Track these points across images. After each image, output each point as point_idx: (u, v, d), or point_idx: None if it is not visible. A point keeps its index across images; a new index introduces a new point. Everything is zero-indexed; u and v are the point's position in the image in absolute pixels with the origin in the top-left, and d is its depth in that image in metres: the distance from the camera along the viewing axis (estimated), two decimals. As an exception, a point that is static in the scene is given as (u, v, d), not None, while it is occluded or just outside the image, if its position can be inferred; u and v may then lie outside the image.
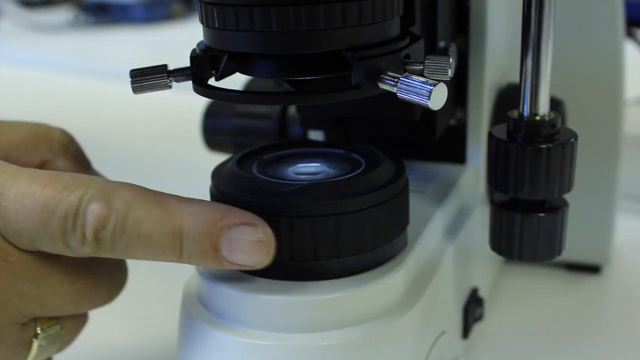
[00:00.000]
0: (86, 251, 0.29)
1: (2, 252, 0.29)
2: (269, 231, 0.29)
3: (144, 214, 0.28)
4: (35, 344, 0.31)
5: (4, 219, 0.29)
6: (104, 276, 0.33)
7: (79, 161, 0.37)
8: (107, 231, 0.28)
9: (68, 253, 0.29)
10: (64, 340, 0.33)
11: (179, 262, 0.29)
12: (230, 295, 0.30)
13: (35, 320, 0.31)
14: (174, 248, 0.28)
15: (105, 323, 0.46)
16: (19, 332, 0.31)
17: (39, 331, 0.31)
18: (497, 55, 0.42)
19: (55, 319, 0.32)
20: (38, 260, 0.30)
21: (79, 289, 0.31)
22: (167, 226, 0.28)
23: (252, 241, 0.29)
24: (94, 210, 0.28)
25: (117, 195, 0.28)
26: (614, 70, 0.46)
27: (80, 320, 0.34)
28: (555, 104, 0.38)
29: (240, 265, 0.29)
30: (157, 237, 0.28)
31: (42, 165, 0.36)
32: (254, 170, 0.32)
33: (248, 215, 0.29)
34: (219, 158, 0.36)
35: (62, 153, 0.36)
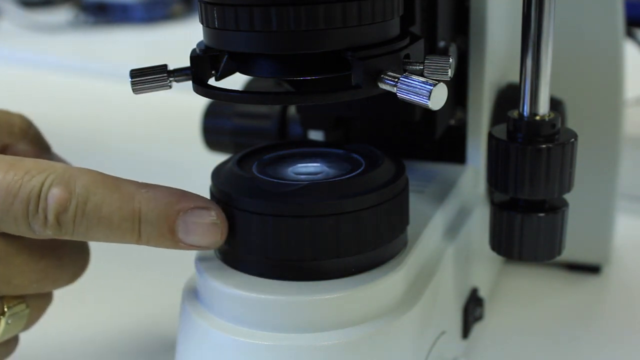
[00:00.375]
0: (48, 233, 0.30)
1: None
2: (221, 214, 0.30)
3: (104, 198, 0.30)
4: (3, 321, 0.32)
5: None
6: (68, 257, 0.34)
7: (39, 145, 0.38)
8: (68, 214, 0.29)
9: (31, 235, 0.30)
10: (30, 319, 0.34)
11: (137, 244, 0.30)
12: (230, 295, 0.30)
13: (2, 298, 0.32)
14: (132, 231, 0.30)
15: (105, 323, 0.46)
16: None
17: (5, 309, 0.32)
18: (497, 55, 0.42)
19: (21, 298, 0.33)
20: (3, 240, 0.31)
21: (43, 268, 0.32)
22: (125, 210, 0.30)
23: (206, 224, 0.30)
24: (55, 194, 0.29)
25: (77, 180, 0.30)
26: (614, 70, 0.46)
27: (45, 299, 0.35)
28: (555, 104, 0.38)
29: (195, 246, 0.30)
30: (116, 220, 0.30)
31: (2, 150, 0.37)
32: (254, 170, 0.32)
33: (202, 199, 0.31)
34: (219, 158, 0.36)
35: (22, 137, 0.37)
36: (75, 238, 0.30)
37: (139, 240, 0.30)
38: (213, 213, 0.30)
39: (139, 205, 0.30)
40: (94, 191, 0.30)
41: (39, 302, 0.35)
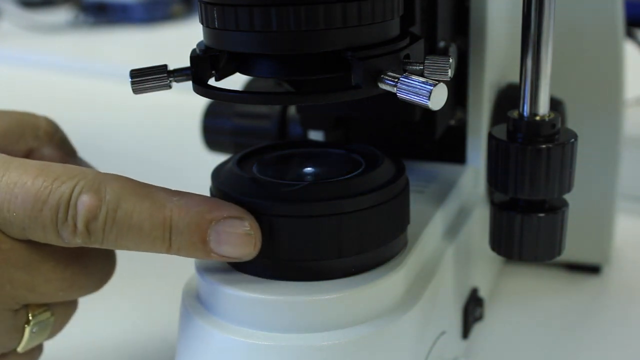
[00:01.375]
0: (77, 241, 0.29)
1: None
2: (255, 224, 0.29)
3: (134, 205, 0.29)
4: (27, 330, 0.32)
5: None
6: (94, 264, 0.33)
7: (65, 149, 0.38)
8: (98, 222, 0.29)
9: (59, 243, 0.30)
10: (55, 327, 0.34)
11: (167, 253, 0.30)
12: (230, 296, 0.30)
13: (27, 307, 0.32)
14: (163, 240, 0.29)
15: (105, 323, 0.46)
16: (12, 319, 0.31)
17: (30, 317, 0.32)
18: (497, 55, 0.42)
19: (46, 306, 0.33)
20: (30, 248, 0.31)
21: (69, 276, 0.32)
22: (156, 218, 0.29)
23: (239, 234, 0.29)
24: (85, 201, 0.29)
25: (107, 187, 0.29)
26: (614, 70, 0.46)
27: (70, 307, 0.35)
28: (555, 104, 0.38)
29: (227, 257, 0.30)
30: (146, 228, 0.29)
31: (28, 154, 0.36)
32: (254, 171, 0.32)
33: (235, 208, 0.29)
34: (219, 158, 0.36)
35: (48, 141, 0.37)
36: (104, 246, 0.30)
37: (169, 249, 0.29)
38: (247, 223, 0.29)
39: (170, 214, 0.29)
40: (125, 198, 0.29)
41: (64, 310, 0.34)
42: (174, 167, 0.74)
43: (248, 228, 0.29)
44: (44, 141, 0.37)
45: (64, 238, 0.29)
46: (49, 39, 1.40)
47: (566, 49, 0.44)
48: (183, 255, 0.30)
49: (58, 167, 0.30)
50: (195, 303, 0.32)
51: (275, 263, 0.30)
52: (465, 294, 0.39)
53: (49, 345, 0.41)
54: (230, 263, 0.31)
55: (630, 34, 0.67)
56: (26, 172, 0.29)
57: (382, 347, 0.30)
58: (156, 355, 0.42)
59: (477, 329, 0.42)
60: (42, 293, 0.31)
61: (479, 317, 0.40)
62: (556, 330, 0.44)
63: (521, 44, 0.32)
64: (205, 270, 0.31)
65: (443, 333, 0.34)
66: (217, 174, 0.32)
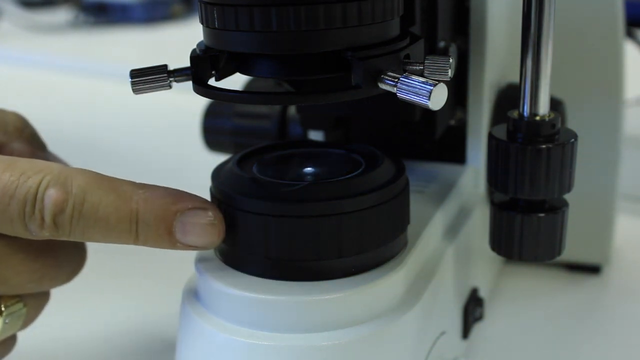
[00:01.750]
0: (45, 234, 0.30)
1: None
2: (219, 214, 0.30)
3: (100, 198, 0.30)
4: (0, 321, 0.32)
5: None
6: (64, 256, 0.33)
7: (34, 143, 0.38)
8: (65, 215, 0.29)
9: (27, 236, 0.30)
10: (28, 318, 0.34)
11: (135, 244, 0.30)
12: (230, 296, 0.30)
13: None
14: (130, 232, 0.30)
15: (105, 323, 0.46)
16: None
17: (2, 309, 0.32)
18: (497, 55, 0.42)
19: (18, 297, 0.33)
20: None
21: (39, 268, 0.32)
22: (122, 211, 0.30)
23: (203, 224, 0.30)
24: (52, 195, 0.29)
25: (74, 181, 0.30)
26: (614, 70, 0.46)
27: (42, 298, 0.35)
28: (555, 104, 0.38)
29: (193, 247, 0.30)
30: (113, 221, 0.30)
31: None
32: (254, 171, 0.32)
33: (199, 199, 0.30)
34: (219, 158, 0.36)
35: (17, 136, 0.37)
36: (72, 239, 0.30)
37: (136, 240, 0.30)
38: (210, 213, 0.30)
39: (135, 206, 0.30)
40: (91, 192, 0.29)
41: (36, 301, 0.35)
42: (174, 167, 0.74)
43: (212, 218, 0.30)
44: (13, 136, 0.37)
45: (32, 231, 0.30)
46: (49, 39, 1.40)
47: (566, 49, 0.44)
48: (150, 246, 0.31)
49: (24, 162, 0.30)
50: (195, 303, 0.32)
51: (275, 263, 0.30)
52: (465, 294, 0.39)
53: (49, 345, 0.41)
54: (230, 263, 0.31)
55: (630, 34, 0.67)
56: None
57: (382, 347, 0.30)
58: (156, 355, 0.42)
59: (477, 329, 0.42)
60: (12, 285, 0.32)
61: (479, 317, 0.40)
62: (556, 330, 0.44)
63: (521, 44, 0.32)
64: (205, 269, 0.31)
65: (443, 333, 0.34)
66: (217, 174, 0.32)
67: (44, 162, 0.31)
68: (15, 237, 0.31)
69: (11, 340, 0.35)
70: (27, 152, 0.37)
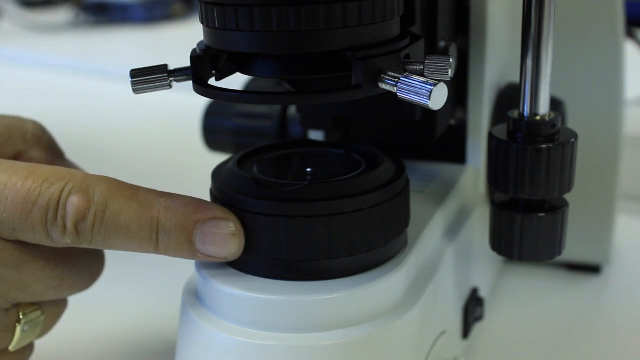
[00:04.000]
0: (66, 241, 0.30)
1: None
2: (239, 225, 0.30)
3: (122, 206, 0.30)
4: (19, 329, 0.32)
5: None
6: (83, 263, 0.33)
7: (53, 151, 0.38)
8: (87, 223, 0.29)
9: (49, 243, 0.30)
10: (46, 325, 0.34)
11: (155, 253, 0.30)
12: (230, 295, 0.30)
13: (18, 306, 0.32)
14: (150, 240, 0.30)
15: (105, 323, 0.46)
16: (3, 318, 0.32)
17: (21, 316, 0.32)
18: (497, 55, 0.42)
19: (36, 305, 0.33)
20: (20, 248, 0.31)
21: (59, 275, 0.32)
22: (144, 219, 0.30)
23: (224, 234, 0.30)
24: (74, 202, 0.29)
25: (95, 188, 0.30)
26: (614, 70, 0.46)
27: (60, 306, 0.35)
28: (555, 104, 0.38)
29: (213, 257, 0.30)
30: (134, 229, 0.30)
31: (16, 157, 0.37)
32: (254, 171, 0.32)
33: (220, 209, 0.30)
34: (219, 158, 0.36)
35: (36, 144, 0.37)
36: (93, 246, 0.30)
37: (156, 249, 0.30)
38: (232, 224, 0.30)
39: (157, 215, 0.30)
40: (113, 199, 0.30)
41: (54, 309, 0.34)
42: (174, 167, 0.74)
43: (233, 229, 0.30)
44: (32, 144, 0.37)
45: (54, 238, 0.30)
46: (49, 39, 1.40)
47: (566, 49, 0.44)
48: (170, 255, 0.31)
49: (47, 169, 0.30)
50: (196, 303, 0.32)
51: (276, 263, 0.30)
52: (465, 294, 0.39)
53: (49, 345, 0.41)
54: (230, 263, 0.31)
55: (630, 34, 0.67)
56: (16, 174, 0.30)
57: (382, 347, 0.30)
58: (156, 355, 0.42)
59: (477, 329, 0.42)
60: (32, 292, 0.32)
61: (479, 317, 0.40)
62: (556, 330, 0.44)
63: (521, 44, 0.32)
64: (205, 270, 0.31)
65: (443, 333, 0.34)
66: (217, 174, 0.32)
67: (66, 169, 0.31)
68: (36, 244, 0.31)
69: (28, 349, 0.35)
70: (45, 159, 0.37)
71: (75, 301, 0.48)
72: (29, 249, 0.31)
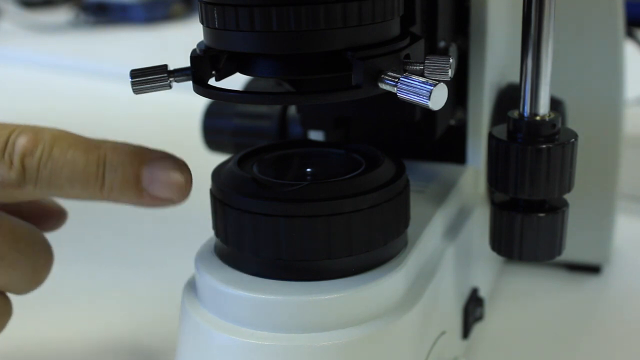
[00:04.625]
0: (11, 177, 0.30)
1: None
2: (187, 168, 0.31)
3: (70, 144, 0.30)
4: None
5: None
6: (27, 245, 0.32)
7: None
8: (34, 157, 0.30)
9: None
10: None
11: (100, 195, 0.30)
12: (230, 295, 0.30)
13: None
14: (97, 177, 0.30)
15: (105, 323, 0.46)
16: None
17: None
18: (497, 55, 0.42)
19: None
20: None
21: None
22: (91, 155, 0.30)
23: (171, 174, 0.30)
24: (22, 140, 0.30)
25: (45, 131, 0.30)
26: (614, 70, 0.46)
27: (4, 310, 0.33)
28: (555, 104, 0.38)
29: (159, 199, 0.30)
30: (81, 164, 0.30)
31: None
32: (254, 171, 0.32)
33: (167, 153, 0.31)
34: (219, 158, 0.36)
35: None
36: (37, 188, 0.30)
37: (102, 188, 0.30)
38: (178, 165, 0.30)
39: (104, 153, 0.30)
40: (61, 139, 0.30)
41: None
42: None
43: (180, 170, 0.30)
44: None
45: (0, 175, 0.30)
46: (49, 39, 1.40)
47: (566, 49, 0.44)
48: (115, 199, 0.31)
49: None
50: (196, 303, 0.32)
51: (275, 263, 0.30)
52: (465, 294, 0.39)
53: (49, 344, 0.41)
54: (230, 263, 0.31)
55: (630, 34, 0.67)
56: None
57: (382, 347, 0.30)
58: (156, 355, 0.42)
59: (477, 329, 0.42)
60: None
61: (479, 317, 0.40)
62: (556, 330, 0.44)
63: (521, 44, 0.32)
64: (205, 269, 0.31)
65: (443, 333, 0.34)
66: (217, 174, 0.32)
67: (15, 123, 0.31)
68: None
69: None
70: None
71: (76, 300, 0.48)
72: None
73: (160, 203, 0.30)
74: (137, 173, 0.30)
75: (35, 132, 0.30)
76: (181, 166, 0.30)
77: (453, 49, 0.38)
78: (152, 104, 0.83)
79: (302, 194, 0.29)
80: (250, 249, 0.30)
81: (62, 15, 1.59)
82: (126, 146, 0.30)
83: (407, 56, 0.30)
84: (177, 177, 0.30)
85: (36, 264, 0.33)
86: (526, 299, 0.47)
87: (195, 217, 0.44)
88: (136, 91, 0.31)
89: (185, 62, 0.31)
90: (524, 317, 0.46)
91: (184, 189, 0.30)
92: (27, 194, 0.31)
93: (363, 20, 0.28)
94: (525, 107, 0.33)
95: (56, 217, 0.38)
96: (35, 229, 0.33)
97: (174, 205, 0.31)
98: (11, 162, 0.29)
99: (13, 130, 0.30)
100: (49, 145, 0.30)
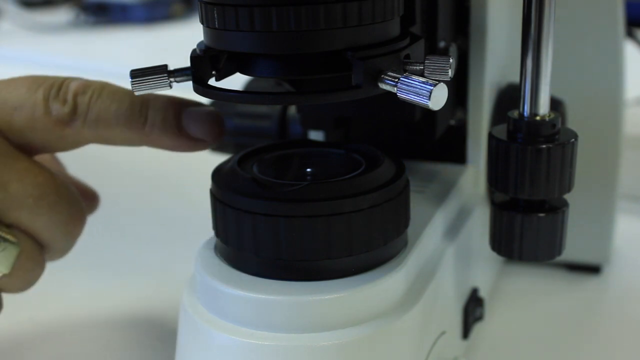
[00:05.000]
0: (65, 111, 0.33)
1: None
2: (220, 115, 0.35)
3: (117, 89, 0.34)
4: None
5: None
6: (63, 192, 0.34)
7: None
8: (86, 96, 0.34)
9: (44, 121, 0.33)
10: (18, 268, 0.33)
11: (142, 135, 0.34)
12: (230, 295, 0.30)
13: None
14: (140, 114, 0.34)
15: (105, 322, 0.46)
16: None
17: None
18: (497, 55, 0.42)
19: (13, 234, 0.33)
20: (9, 144, 0.33)
21: (41, 184, 0.33)
22: (136, 97, 0.34)
23: (208, 115, 0.34)
24: (75, 83, 0.34)
25: (95, 80, 0.35)
26: (614, 70, 0.46)
27: (37, 254, 0.35)
28: (555, 104, 0.38)
29: (195, 140, 0.34)
30: (127, 103, 0.33)
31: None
32: (255, 171, 0.32)
33: (201, 102, 0.35)
34: (219, 158, 0.36)
35: None
36: (86, 126, 0.33)
37: (144, 125, 0.33)
38: (212, 111, 0.34)
39: (148, 97, 0.34)
40: (109, 85, 0.34)
41: (31, 251, 0.34)
42: (174, 167, 0.74)
43: (214, 114, 0.34)
44: None
45: (53, 110, 0.33)
46: (49, 39, 1.40)
47: (566, 49, 0.44)
48: (155, 139, 0.34)
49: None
50: (195, 303, 0.32)
51: (275, 263, 0.30)
52: (465, 294, 0.39)
53: (50, 344, 0.41)
54: (230, 263, 0.31)
55: (630, 34, 0.67)
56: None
57: (382, 347, 0.30)
58: (156, 355, 0.42)
59: (477, 329, 0.42)
60: (11, 193, 0.32)
61: (479, 317, 0.40)
62: (556, 330, 0.44)
63: (521, 44, 0.32)
64: (205, 269, 0.31)
65: (443, 333, 0.34)
66: (218, 174, 0.32)
67: None
68: (21, 145, 0.33)
69: None
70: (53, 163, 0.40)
71: (76, 300, 0.48)
72: (17, 149, 0.33)
73: (194, 145, 0.34)
74: (178, 113, 0.33)
75: (87, 80, 0.34)
76: (216, 112, 0.34)
77: (453, 49, 0.38)
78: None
79: (302, 194, 0.29)
80: (250, 249, 0.30)
81: (62, 15, 1.59)
82: (167, 95, 0.34)
83: (407, 56, 0.30)
84: (213, 118, 0.34)
85: (71, 215, 0.35)
86: (526, 299, 0.47)
87: (195, 217, 0.44)
88: (136, 91, 0.31)
89: (185, 62, 0.31)
90: (524, 317, 0.46)
91: (218, 130, 0.34)
92: (75, 135, 0.34)
93: (363, 20, 0.28)
94: (525, 107, 0.33)
95: (90, 198, 0.40)
96: (72, 185, 0.36)
97: (206, 148, 0.35)
98: (65, 100, 0.33)
99: (67, 78, 0.34)
100: (99, 88, 0.34)
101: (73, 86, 0.34)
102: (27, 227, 0.34)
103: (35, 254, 0.34)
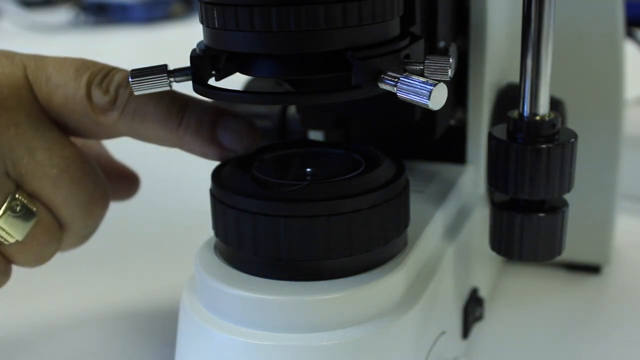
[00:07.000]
0: (105, 100, 0.33)
1: (21, 87, 0.33)
2: (257, 128, 0.35)
3: None
4: (6, 204, 0.32)
5: (42, 66, 0.34)
6: (89, 169, 0.35)
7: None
8: (127, 89, 0.34)
9: (82, 103, 0.33)
10: (31, 237, 0.33)
11: (175, 135, 0.34)
12: (230, 295, 0.30)
13: (16, 188, 0.33)
14: (177, 115, 0.34)
15: (105, 322, 0.46)
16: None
17: (17, 195, 0.33)
18: (497, 55, 0.42)
19: (33, 203, 0.33)
20: (43, 114, 0.34)
21: (67, 157, 0.34)
22: (175, 99, 0.34)
23: (243, 126, 0.34)
24: (120, 75, 0.34)
25: None
26: (614, 70, 0.46)
27: (53, 228, 0.35)
28: (555, 104, 0.38)
29: (226, 149, 0.34)
30: (166, 102, 0.34)
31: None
32: (254, 171, 0.32)
33: (239, 113, 0.35)
34: (219, 158, 0.36)
35: None
36: (122, 117, 0.33)
37: (179, 126, 0.33)
38: (249, 123, 0.34)
39: (187, 99, 0.34)
40: None
41: (48, 222, 0.34)
42: (174, 167, 0.74)
43: (250, 126, 0.34)
44: None
45: (94, 97, 0.33)
46: (49, 39, 1.40)
47: (566, 49, 0.44)
48: (187, 141, 0.34)
49: None
50: (195, 303, 0.32)
51: (275, 263, 0.30)
52: (465, 294, 0.39)
53: (50, 343, 0.41)
54: (230, 263, 0.31)
55: (630, 34, 0.67)
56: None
57: (382, 347, 0.30)
58: (156, 355, 0.42)
59: (477, 329, 0.42)
60: (38, 161, 0.33)
61: (479, 317, 0.40)
62: (556, 330, 0.44)
63: (521, 44, 0.32)
64: (205, 269, 0.31)
65: (443, 333, 0.34)
66: (217, 174, 0.32)
67: None
68: (56, 123, 0.34)
69: (4, 274, 0.34)
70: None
71: (76, 300, 0.48)
72: (50, 120, 0.34)
73: (224, 153, 0.34)
74: (214, 121, 0.34)
75: None
76: (252, 124, 0.34)
77: (453, 49, 0.38)
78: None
79: (302, 194, 0.29)
80: (250, 249, 0.30)
81: (62, 15, 1.59)
82: (207, 101, 0.34)
83: (407, 56, 0.30)
84: (249, 129, 0.34)
85: (94, 196, 0.35)
86: (526, 299, 0.47)
87: (195, 217, 0.44)
88: (136, 91, 0.31)
89: (185, 62, 0.31)
90: (524, 317, 0.46)
91: (251, 142, 0.34)
92: (110, 125, 0.34)
93: (363, 20, 0.28)
94: (525, 107, 0.33)
95: (130, 180, 0.41)
96: (99, 169, 0.36)
97: (237, 155, 0.35)
98: (107, 90, 0.33)
99: (114, 68, 0.34)
100: None
101: (118, 77, 0.34)
102: (47, 199, 0.34)
103: (52, 228, 0.34)
